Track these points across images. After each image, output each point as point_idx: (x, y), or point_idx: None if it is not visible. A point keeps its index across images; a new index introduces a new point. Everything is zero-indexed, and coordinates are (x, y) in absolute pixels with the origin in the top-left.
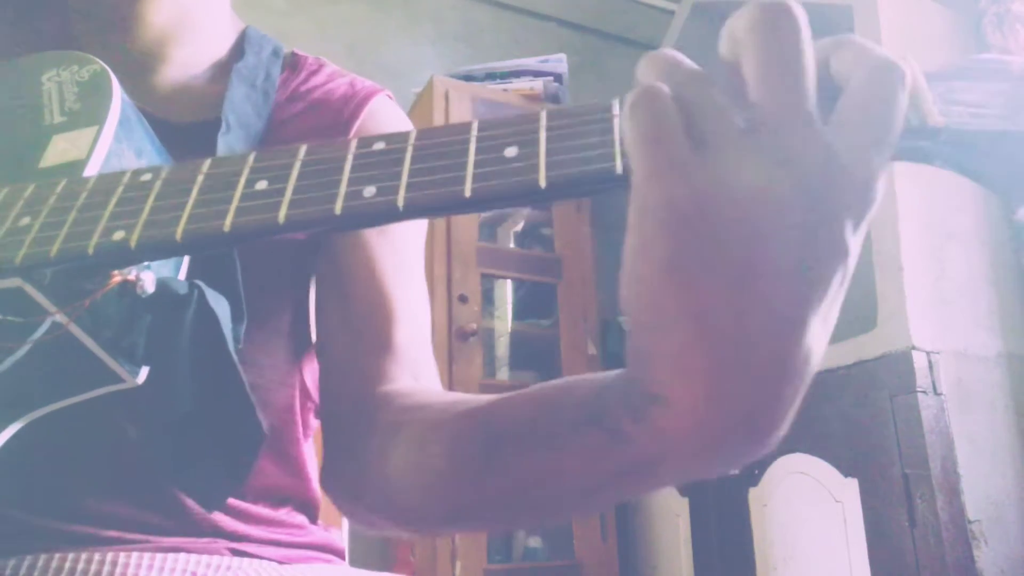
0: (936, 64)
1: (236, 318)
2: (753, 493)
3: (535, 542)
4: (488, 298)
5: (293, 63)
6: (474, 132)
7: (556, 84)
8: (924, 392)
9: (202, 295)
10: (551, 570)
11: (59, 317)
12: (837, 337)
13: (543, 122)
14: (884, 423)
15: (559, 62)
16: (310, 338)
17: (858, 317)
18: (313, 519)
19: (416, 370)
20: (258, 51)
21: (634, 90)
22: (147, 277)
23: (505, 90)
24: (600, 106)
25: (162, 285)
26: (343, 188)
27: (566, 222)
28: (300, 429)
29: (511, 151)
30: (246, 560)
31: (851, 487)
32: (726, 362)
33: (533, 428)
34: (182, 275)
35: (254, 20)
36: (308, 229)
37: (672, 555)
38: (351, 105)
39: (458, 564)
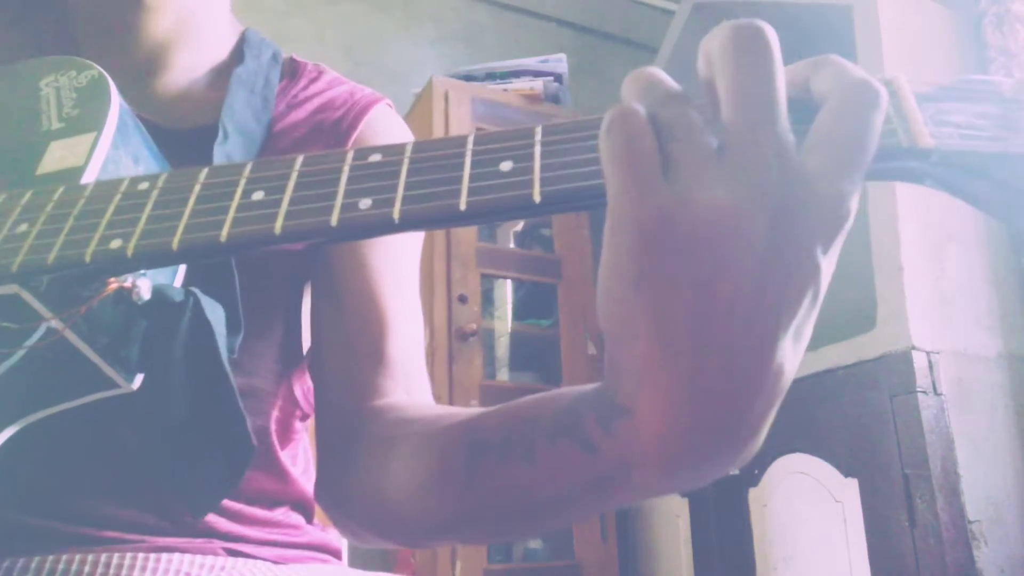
0: (929, 84)
1: (233, 330)
2: (753, 493)
3: (535, 543)
4: (488, 298)
5: (292, 70)
6: (470, 146)
7: (556, 84)
8: (924, 392)
9: (197, 303)
10: (551, 570)
11: (55, 323)
12: (837, 337)
13: (538, 137)
14: (884, 423)
15: (559, 62)
16: (301, 348)
17: (858, 317)
18: (309, 519)
19: (409, 384)
20: (257, 55)
21: (610, 111)
22: (143, 284)
23: (505, 90)
24: (594, 121)
25: (158, 292)
26: (339, 200)
27: (566, 223)
28: (283, 435)
29: (506, 165)
30: (240, 560)
31: (851, 487)
32: (686, 377)
33: (511, 440)
34: (178, 282)
35: (253, 21)
36: (304, 240)
37: (672, 555)
38: (350, 115)
39: (458, 564)
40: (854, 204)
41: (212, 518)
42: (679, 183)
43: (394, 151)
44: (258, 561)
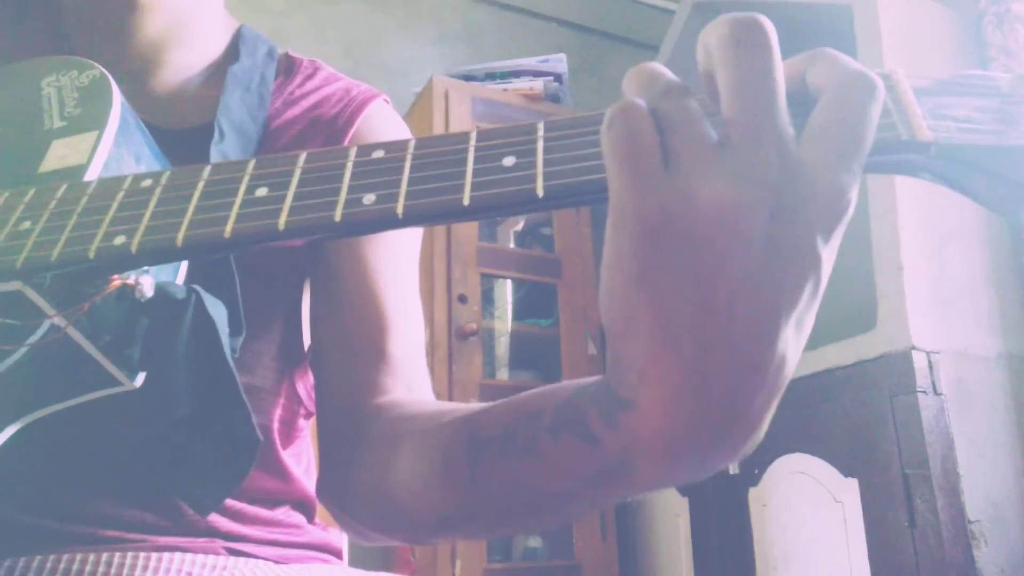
0: (927, 78)
1: (234, 331)
2: (753, 493)
3: (535, 542)
4: (488, 298)
5: (288, 66)
6: (472, 141)
7: (556, 84)
8: (924, 392)
9: (200, 300)
10: (551, 570)
11: (58, 320)
12: (837, 337)
13: (541, 132)
14: (884, 423)
15: (559, 62)
16: (302, 346)
17: (858, 317)
18: (311, 519)
19: (409, 381)
20: (253, 52)
21: (612, 106)
22: (146, 281)
23: (505, 90)
24: (596, 117)
25: (160, 289)
26: (343, 195)
27: (566, 222)
28: (286, 434)
29: (509, 160)
30: (242, 560)
31: (851, 487)
32: (689, 370)
33: (513, 435)
34: (180, 280)
35: (253, 21)
36: (308, 236)
37: (672, 555)
38: (347, 111)
39: (458, 564)
40: (854, 195)
41: (213, 517)
42: (680, 177)
43: (397, 147)
44: (259, 560)
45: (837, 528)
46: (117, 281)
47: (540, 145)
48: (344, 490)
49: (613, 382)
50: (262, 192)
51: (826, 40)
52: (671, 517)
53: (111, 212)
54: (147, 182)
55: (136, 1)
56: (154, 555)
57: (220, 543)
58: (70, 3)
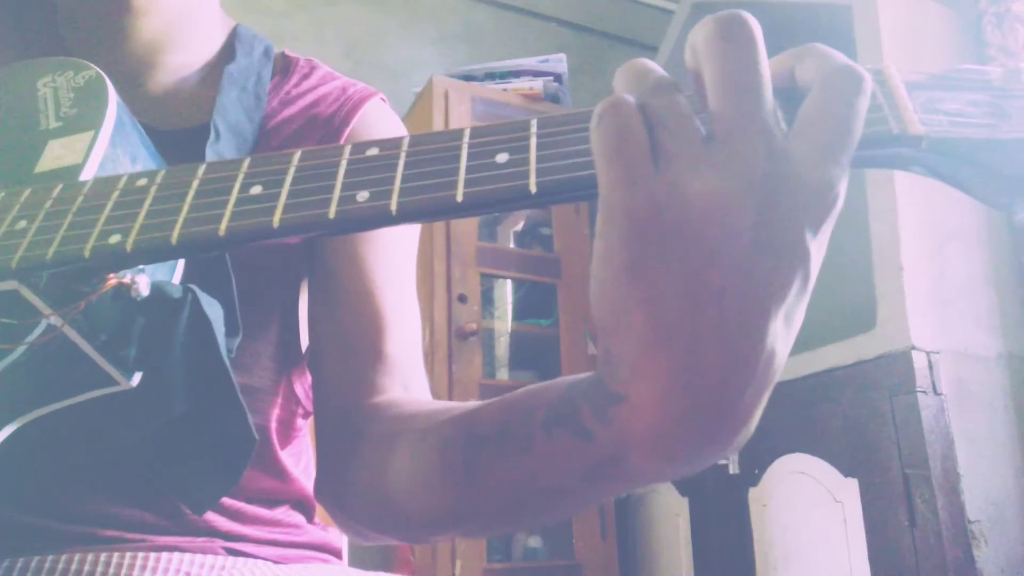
0: (919, 73)
1: (231, 332)
2: (753, 493)
3: (535, 542)
4: (488, 298)
5: (284, 66)
6: (466, 139)
7: (556, 84)
8: (924, 392)
9: (196, 299)
10: (551, 570)
11: (54, 319)
12: (837, 337)
13: (534, 129)
14: (884, 423)
15: (559, 62)
16: (299, 346)
17: (858, 317)
18: (310, 518)
19: (407, 380)
20: (249, 51)
21: (601, 102)
22: (142, 280)
23: (505, 90)
24: (589, 114)
25: (156, 288)
26: (337, 192)
27: (566, 222)
28: (284, 434)
29: (502, 157)
30: (240, 560)
31: (851, 487)
32: (679, 363)
33: (508, 432)
34: (176, 280)
35: (253, 21)
36: (302, 233)
37: (672, 555)
38: (343, 110)
39: (458, 564)
40: (842, 188)
41: (213, 517)
42: (669, 171)
43: (391, 145)
44: (259, 560)
45: (837, 528)
46: (113, 280)
47: (533, 142)
48: (342, 490)
49: (605, 377)
50: (256, 190)
51: (826, 40)
52: (671, 517)
53: (106, 211)
54: (142, 181)
55: (131, 5)
56: (152, 555)
57: (219, 543)
58: (65, 6)
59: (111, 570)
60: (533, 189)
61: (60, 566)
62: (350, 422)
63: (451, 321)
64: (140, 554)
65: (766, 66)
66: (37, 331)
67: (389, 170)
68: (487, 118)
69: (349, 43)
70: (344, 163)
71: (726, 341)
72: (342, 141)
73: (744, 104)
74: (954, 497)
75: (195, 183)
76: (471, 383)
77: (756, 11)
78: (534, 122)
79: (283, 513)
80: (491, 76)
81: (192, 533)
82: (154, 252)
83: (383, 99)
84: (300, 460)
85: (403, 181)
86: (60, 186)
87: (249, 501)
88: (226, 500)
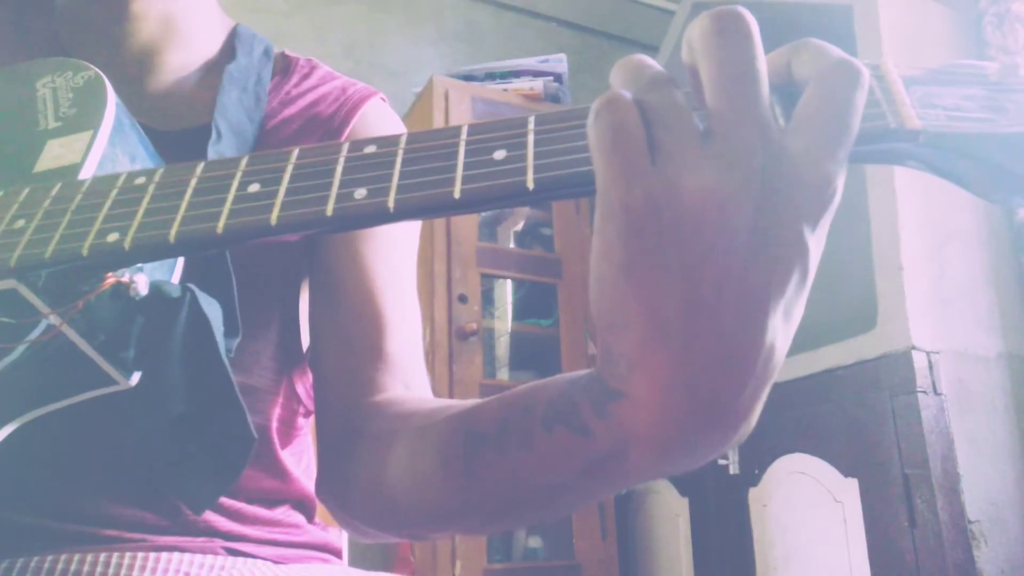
0: (916, 68)
1: (230, 332)
2: (753, 493)
3: (535, 542)
4: (488, 298)
5: (284, 66)
6: (463, 135)
7: (556, 84)
8: (924, 392)
9: (194, 298)
10: (551, 570)
11: (52, 318)
12: (837, 337)
13: (531, 125)
14: (884, 423)
15: (559, 62)
16: (300, 346)
17: (858, 317)
18: (310, 518)
19: (407, 379)
20: (249, 51)
21: (599, 98)
22: (140, 279)
23: (505, 90)
24: (586, 110)
25: (155, 288)
26: (334, 190)
27: (566, 222)
28: (285, 433)
29: (500, 154)
30: (240, 560)
31: (851, 487)
32: (678, 359)
33: (507, 429)
34: (175, 279)
35: (254, 21)
36: (300, 231)
37: (672, 555)
38: (343, 110)
39: (458, 564)
40: (840, 184)
41: (213, 517)
42: (666, 167)
43: (389, 142)
44: (259, 560)
45: (837, 528)
46: (111, 279)
47: (531, 138)
48: (342, 488)
49: (604, 373)
50: (254, 188)
51: (826, 39)
52: (671, 517)
53: (104, 210)
54: (141, 180)
55: (128, 10)
56: (152, 555)
57: (219, 543)
58: (65, 10)
59: (111, 570)
60: (531, 185)
61: (60, 566)
62: (351, 420)
63: (451, 321)
64: (140, 554)
65: (762, 61)
66: (36, 331)
67: (387, 167)
68: (487, 118)
69: (349, 43)
70: (342, 160)
71: (724, 337)
72: (342, 141)
73: (741, 99)
74: (954, 497)
75: (193, 181)
76: (471, 383)
77: (756, 11)
78: (531, 118)
79: (283, 513)
80: (491, 76)
81: (192, 533)
82: (152, 250)
83: (383, 99)
84: (301, 460)
85: (401, 178)
86: (59, 185)
87: (249, 501)
88: (226, 500)
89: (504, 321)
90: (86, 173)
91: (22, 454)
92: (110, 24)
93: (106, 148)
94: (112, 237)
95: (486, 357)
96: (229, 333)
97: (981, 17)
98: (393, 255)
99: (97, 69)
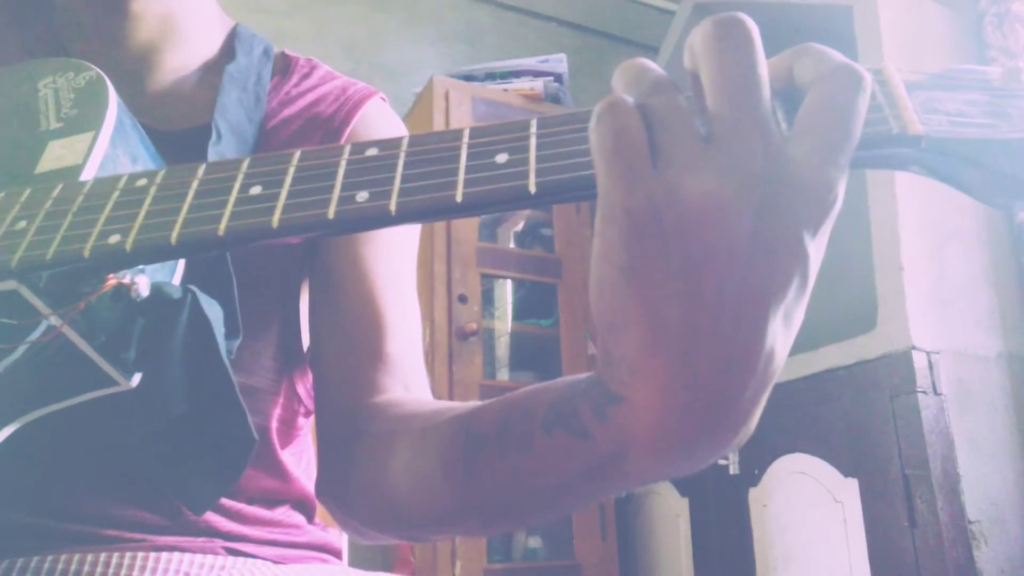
0: (918, 73)
1: (231, 333)
2: (753, 493)
3: (535, 542)
4: (488, 298)
5: (284, 66)
6: (465, 139)
7: (556, 84)
8: (924, 392)
9: (195, 300)
10: (551, 570)
11: (53, 319)
12: (837, 337)
13: (533, 129)
14: (884, 423)
15: (559, 62)
16: (300, 346)
17: (858, 317)
18: (310, 518)
19: (407, 380)
20: (249, 51)
21: (600, 102)
22: (141, 281)
23: (505, 90)
24: (589, 114)
25: (156, 289)
26: (336, 193)
27: (566, 222)
28: (285, 433)
29: (502, 157)
30: (240, 560)
31: (851, 487)
32: (679, 363)
33: (507, 431)
34: (176, 281)
35: (254, 21)
36: (302, 233)
37: (672, 555)
38: (343, 110)
39: (458, 564)
40: (841, 189)
41: (213, 517)
42: (667, 171)
43: (391, 145)
44: (259, 561)
45: (837, 528)
46: (113, 280)
47: (533, 142)
48: (343, 489)
49: (604, 377)
50: (256, 190)
51: (826, 41)
52: (671, 517)
53: (106, 211)
54: (142, 181)
55: (128, 9)
56: (152, 555)
57: (219, 543)
58: (65, 10)
59: (111, 570)
60: (532, 189)
61: (60, 566)
62: (351, 421)
63: (451, 321)
64: (140, 554)
65: (764, 66)
66: (37, 331)
67: (388, 170)
68: (487, 118)
69: (349, 43)
70: (343, 163)
71: (724, 341)
72: (342, 141)
73: (742, 104)
74: (954, 497)
75: (195, 183)
76: (471, 383)
77: (757, 12)
78: (534, 122)
79: (283, 513)
80: (491, 76)
81: (192, 533)
82: (154, 252)
83: (383, 99)
84: (301, 460)
85: (402, 181)
86: (60, 186)
87: (249, 501)
88: (226, 500)
89: (504, 321)
90: (87, 174)
91: (23, 454)
92: (110, 24)
93: (107, 149)
94: (114, 239)
95: (486, 357)
96: (230, 334)
97: (982, 18)
98: (393, 257)
99: (99, 70)
